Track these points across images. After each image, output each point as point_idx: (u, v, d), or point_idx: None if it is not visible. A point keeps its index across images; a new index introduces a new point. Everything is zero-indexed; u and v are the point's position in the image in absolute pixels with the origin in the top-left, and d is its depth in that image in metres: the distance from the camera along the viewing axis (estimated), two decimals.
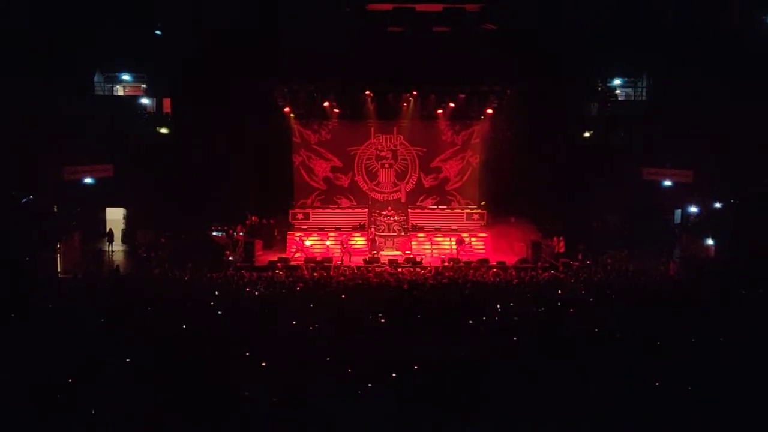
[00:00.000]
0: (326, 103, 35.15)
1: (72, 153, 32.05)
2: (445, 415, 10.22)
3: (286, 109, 35.44)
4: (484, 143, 36.26)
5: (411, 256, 31.93)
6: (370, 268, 28.67)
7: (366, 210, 35.86)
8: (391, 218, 34.88)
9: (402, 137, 36.94)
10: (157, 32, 35.51)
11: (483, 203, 36.12)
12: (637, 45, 34.37)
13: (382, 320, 16.20)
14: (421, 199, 37.05)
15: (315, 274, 26.80)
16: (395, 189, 37.07)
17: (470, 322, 16.26)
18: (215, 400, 10.43)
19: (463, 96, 35.07)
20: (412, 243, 33.68)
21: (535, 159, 33.91)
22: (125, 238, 35.71)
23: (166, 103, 37.34)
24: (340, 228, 34.24)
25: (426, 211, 36.44)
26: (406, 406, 10.41)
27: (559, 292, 22.22)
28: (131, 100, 37.77)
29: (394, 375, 11.66)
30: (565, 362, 12.36)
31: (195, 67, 33.35)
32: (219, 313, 17.42)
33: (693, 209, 34.28)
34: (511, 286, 23.82)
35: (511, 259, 31.28)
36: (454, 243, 33.01)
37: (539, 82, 33.04)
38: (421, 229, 34.65)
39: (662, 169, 34.88)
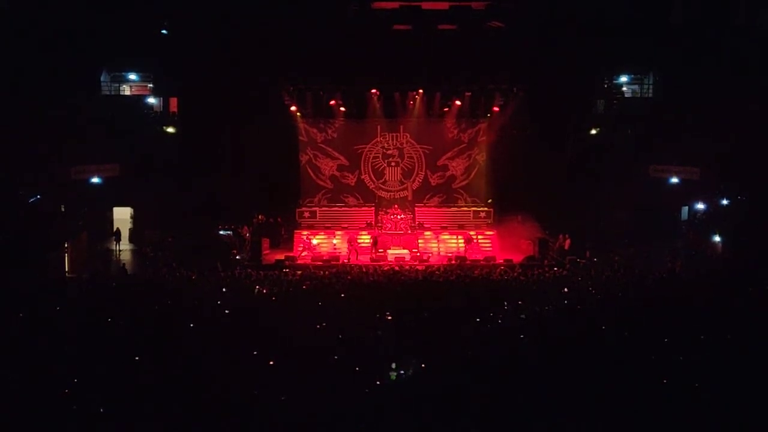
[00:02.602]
0: (332, 102, 35.16)
1: (79, 153, 32.13)
2: (452, 413, 10.22)
3: (293, 108, 35.44)
4: (491, 141, 36.23)
5: (418, 254, 31.98)
6: (376, 267, 28.69)
7: (373, 208, 35.86)
8: (398, 216, 34.86)
9: (408, 135, 36.90)
10: (164, 32, 35.50)
11: (490, 201, 36.08)
12: (644, 42, 34.26)
13: (389, 317, 16.21)
14: (427, 197, 37.00)
15: (322, 272, 26.82)
16: (402, 187, 37.05)
17: (477, 320, 16.27)
18: (223, 399, 10.46)
19: (469, 94, 35.08)
20: (419, 241, 33.68)
21: (541, 156, 33.88)
22: (132, 238, 35.79)
23: (173, 102, 37.35)
24: (347, 226, 34.27)
25: (432, 209, 36.44)
26: (414, 404, 10.41)
27: (566, 290, 22.20)
28: (138, 99, 37.78)
29: (402, 373, 11.67)
30: (572, 360, 12.36)
31: (201, 67, 33.37)
32: (226, 312, 17.46)
33: (700, 206, 34.21)
34: (518, 283, 23.82)
35: (517, 257, 31.26)
36: (461, 241, 33.00)
37: (546, 80, 33.00)
38: (427, 228, 34.65)
39: (669, 166, 34.84)
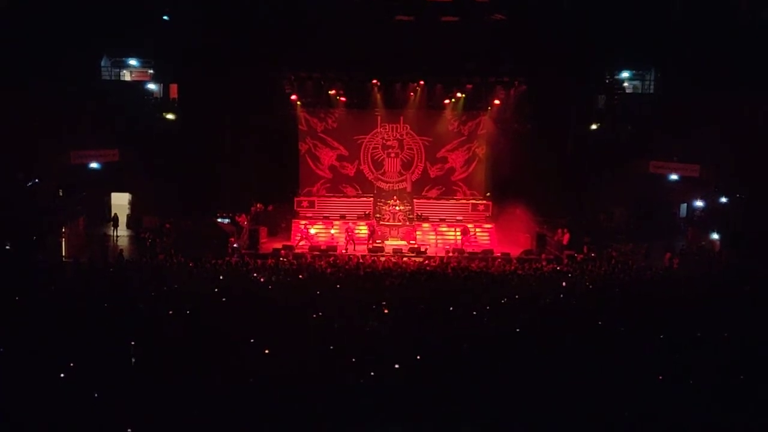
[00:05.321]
0: (333, 92, 35.12)
1: (78, 137, 32.09)
2: (447, 405, 10.21)
3: (293, 97, 35.42)
4: (491, 134, 36.20)
5: (415, 245, 31.95)
6: (374, 258, 28.69)
7: (371, 199, 35.84)
8: (396, 208, 34.84)
9: (408, 127, 36.88)
10: (165, 18, 35.39)
11: (488, 194, 36.05)
12: (646, 38, 34.19)
13: (386, 311, 16.19)
14: (426, 189, 37.01)
15: (320, 262, 26.81)
16: (401, 178, 37.04)
17: (474, 313, 16.26)
18: (217, 386, 10.45)
19: (470, 86, 35.02)
20: (417, 233, 33.67)
21: (541, 151, 33.82)
22: (130, 224, 35.74)
23: (173, 88, 37.23)
24: (345, 216, 34.26)
25: (431, 201, 36.44)
26: (408, 396, 10.40)
27: (563, 284, 22.20)
28: (138, 85, 37.68)
29: (396, 366, 11.65)
30: (568, 355, 12.35)
31: (202, 54, 33.29)
32: (223, 299, 17.44)
33: (699, 203, 34.23)
34: (515, 277, 23.81)
35: (515, 251, 31.24)
36: (459, 233, 33.00)
37: (547, 74, 32.94)
38: (426, 219, 34.62)
39: (669, 162, 34.86)
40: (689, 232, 34.26)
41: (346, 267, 25.19)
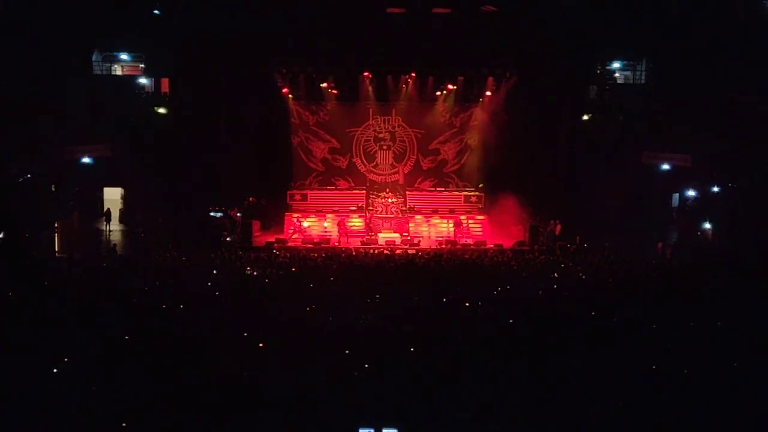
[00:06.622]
0: (324, 85, 35.09)
1: (70, 132, 32.03)
2: (440, 397, 10.25)
3: (285, 90, 35.39)
4: (483, 126, 36.17)
5: (408, 237, 32.01)
6: (367, 250, 28.72)
7: (364, 192, 35.82)
8: (389, 200, 34.85)
9: (400, 119, 36.90)
10: (156, 12, 35.28)
11: (481, 186, 36.07)
12: (638, 28, 34.20)
13: (378, 301, 16.23)
14: (419, 181, 37.05)
15: (313, 255, 26.83)
16: (393, 171, 37.05)
17: (467, 304, 16.29)
18: (211, 381, 10.47)
19: (462, 78, 35.02)
20: (410, 225, 33.72)
21: (533, 142, 33.87)
22: (123, 218, 35.69)
23: (165, 83, 37.16)
24: (337, 209, 34.28)
25: (424, 193, 36.44)
26: (402, 388, 10.43)
27: (556, 275, 22.25)
28: (129, 79, 37.57)
29: (390, 357, 11.68)
30: (561, 345, 12.40)
31: (193, 48, 33.21)
32: (216, 293, 17.45)
33: (691, 193, 34.31)
34: (508, 268, 23.85)
35: (508, 242, 31.34)
36: (451, 225, 33.04)
37: (539, 65, 32.95)
38: (418, 211, 34.66)
39: (661, 153, 34.90)
40: (681, 221, 34.31)
41: (339, 260, 25.21)
